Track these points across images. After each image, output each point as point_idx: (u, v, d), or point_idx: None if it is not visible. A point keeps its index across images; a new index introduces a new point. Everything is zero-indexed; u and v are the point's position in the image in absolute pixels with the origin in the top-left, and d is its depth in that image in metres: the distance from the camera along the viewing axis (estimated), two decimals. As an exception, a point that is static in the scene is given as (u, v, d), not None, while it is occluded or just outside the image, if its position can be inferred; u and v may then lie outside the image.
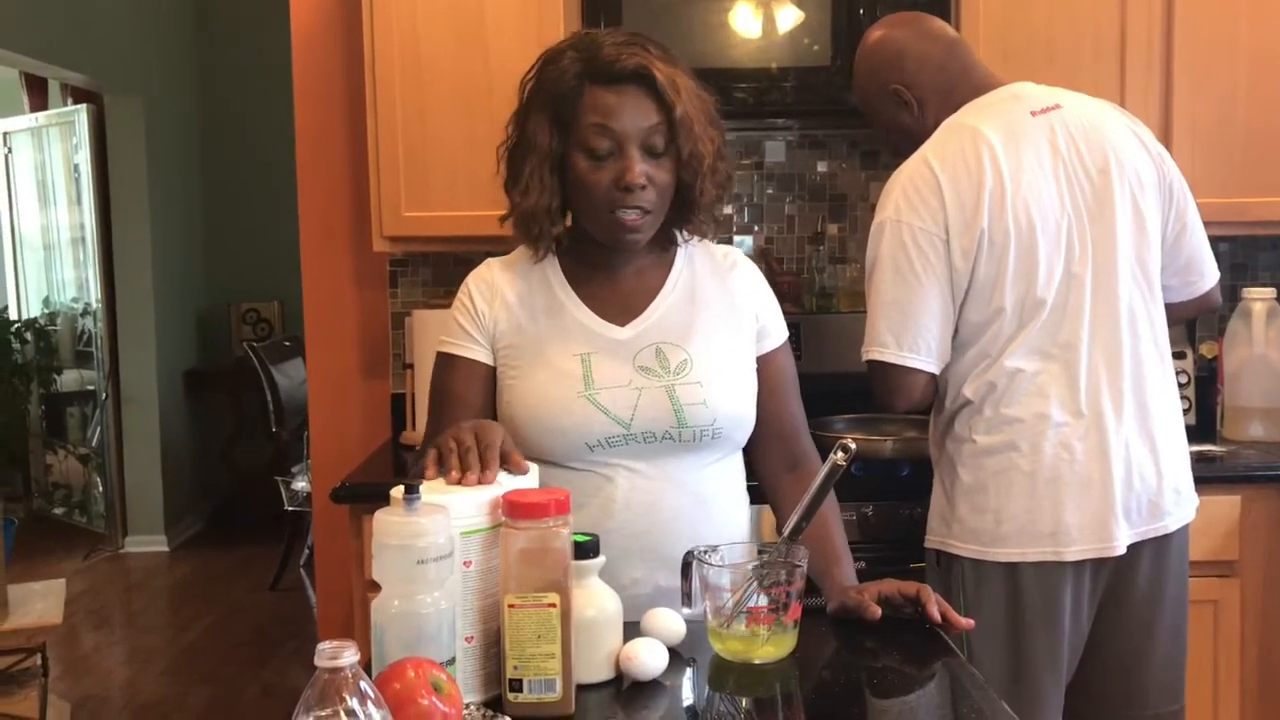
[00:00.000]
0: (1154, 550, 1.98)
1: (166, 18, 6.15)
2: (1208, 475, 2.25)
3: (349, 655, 0.76)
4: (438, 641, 1.12)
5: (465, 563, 1.21)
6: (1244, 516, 2.48)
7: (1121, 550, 1.92)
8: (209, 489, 6.41)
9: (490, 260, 1.74)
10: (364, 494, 2.45)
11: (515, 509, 1.20)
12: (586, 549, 1.31)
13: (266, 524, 5.42)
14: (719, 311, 1.65)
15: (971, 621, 1.49)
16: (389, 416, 3.00)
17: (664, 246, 1.68)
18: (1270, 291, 2.75)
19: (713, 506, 1.62)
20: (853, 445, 1.33)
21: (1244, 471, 2.52)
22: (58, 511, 6.33)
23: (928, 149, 1.97)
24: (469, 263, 3.06)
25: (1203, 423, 2.87)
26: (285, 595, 5.10)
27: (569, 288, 1.65)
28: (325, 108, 2.97)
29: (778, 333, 1.70)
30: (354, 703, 0.76)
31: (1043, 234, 1.91)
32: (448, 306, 2.88)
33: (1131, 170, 2.00)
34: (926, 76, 2.06)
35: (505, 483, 1.26)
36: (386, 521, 1.13)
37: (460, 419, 1.45)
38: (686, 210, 1.63)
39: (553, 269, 1.67)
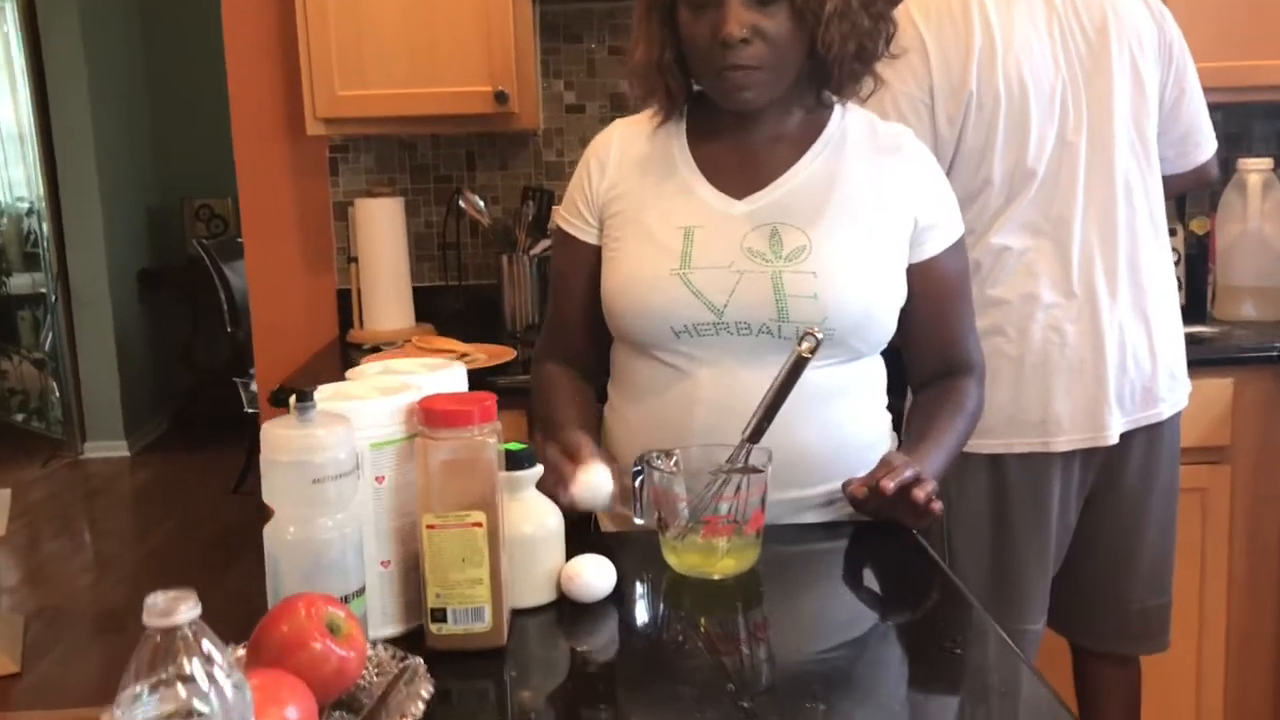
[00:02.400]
0: (1146, 438, 1.88)
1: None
2: (1199, 358, 2.12)
3: (186, 610, 0.60)
4: (342, 571, 0.98)
5: (377, 478, 1.06)
6: (1236, 400, 2.37)
7: (1114, 440, 1.81)
8: (169, 391, 6.24)
9: (617, 122, 1.54)
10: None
11: (433, 417, 1.04)
12: (520, 458, 1.16)
13: (229, 425, 5.27)
14: (863, 200, 1.40)
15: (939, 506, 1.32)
16: (335, 313, 2.83)
17: (813, 111, 1.45)
18: (1267, 162, 2.59)
19: (820, 419, 1.39)
20: (820, 335, 1.17)
21: (1236, 353, 2.39)
22: (16, 418, 6.16)
23: (910, 3, 1.78)
24: (414, 147, 2.94)
25: (1193, 303, 2.73)
26: (248, 499, 4.98)
27: (688, 152, 1.45)
28: (251, -18, 2.74)
29: (944, 235, 1.45)
30: (194, 667, 0.60)
31: (1035, 98, 1.75)
32: (392, 194, 2.74)
33: (1131, 29, 1.84)
34: None
35: (422, 385, 1.10)
36: (276, 435, 0.97)
37: (565, 304, 1.52)
38: (819, 67, 1.39)
39: (677, 131, 1.47)
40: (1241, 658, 2.43)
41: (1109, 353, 1.79)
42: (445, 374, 1.15)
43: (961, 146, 1.74)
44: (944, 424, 1.43)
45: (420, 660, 0.94)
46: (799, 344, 1.17)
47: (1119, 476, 1.88)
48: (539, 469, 1.18)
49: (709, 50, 1.35)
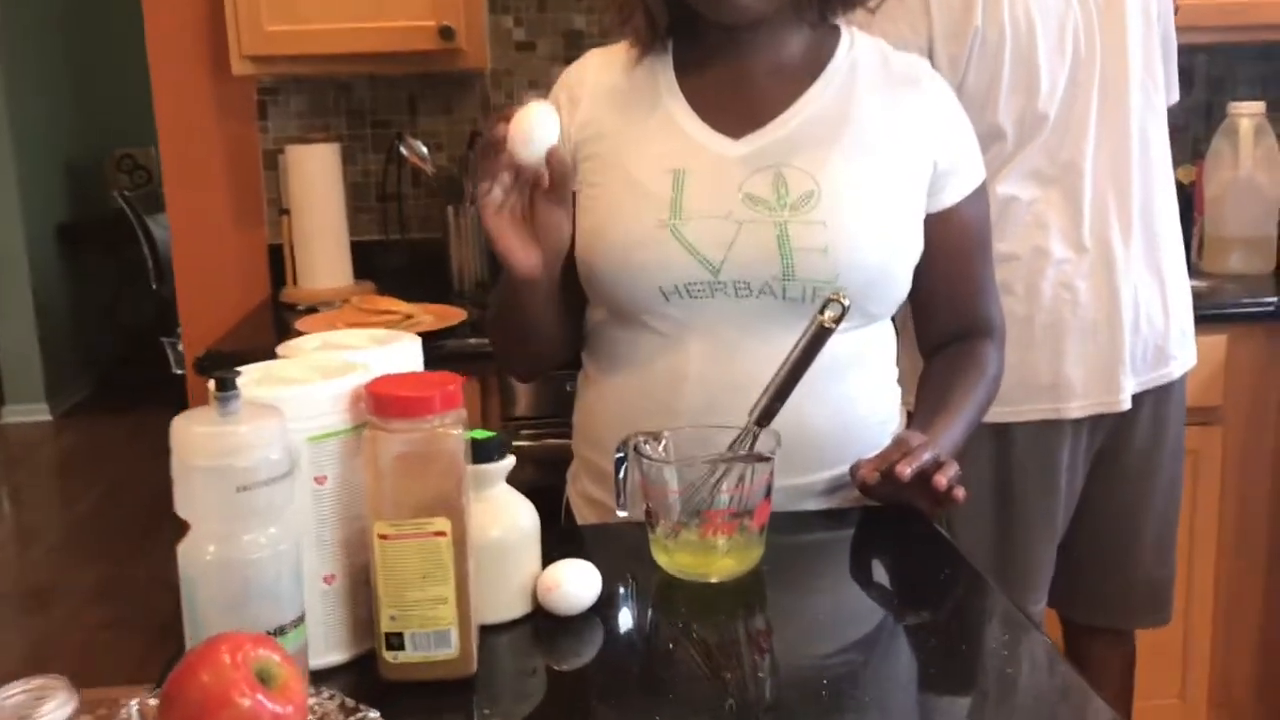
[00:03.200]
0: (1155, 400, 1.76)
1: None
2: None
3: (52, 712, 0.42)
4: (275, 598, 0.80)
5: (317, 479, 0.88)
6: (1229, 358, 2.25)
7: (1128, 405, 1.68)
8: (94, 352, 5.95)
9: (592, 51, 1.34)
10: (236, 362, 2.05)
11: (384, 404, 0.86)
12: (488, 449, 0.98)
13: (158, 386, 5.02)
14: (877, 139, 1.22)
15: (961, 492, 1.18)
16: (267, 270, 2.62)
17: (816, 37, 1.26)
18: (1259, 106, 2.46)
19: (830, 395, 1.21)
20: (847, 301, 0.99)
21: (1230, 308, 2.27)
22: (-69, 382, 5.85)
23: None
24: (350, 89, 2.72)
25: (1178, 255, 2.61)
26: (179, 465, 4.75)
27: (675, 83, 1.26)
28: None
29: (965, 181, 1.27)
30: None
31: (1043, 34, 1.59)
32: (327, 140, 2.52)
33: None
34: None
35: (370, 363, 0.92)
36: (191, 435, 0.79)
37: None
38: None
39: (662, 60, 1.27)
40: (1229, 628, 2.34)
41: (1124, 311, 1.66)
42: (397, 349, 0.97)
43: (964, 89, 1.57)
44: (963, 394, 1.27)
45: (376, 714, 0.76)
46: (821, 311, 1.00)
47: (1127, 441, 1.76)
48: (510, 460, 1.00)
49: None
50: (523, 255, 1.13)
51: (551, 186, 1.11)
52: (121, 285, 5.78)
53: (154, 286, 4.60)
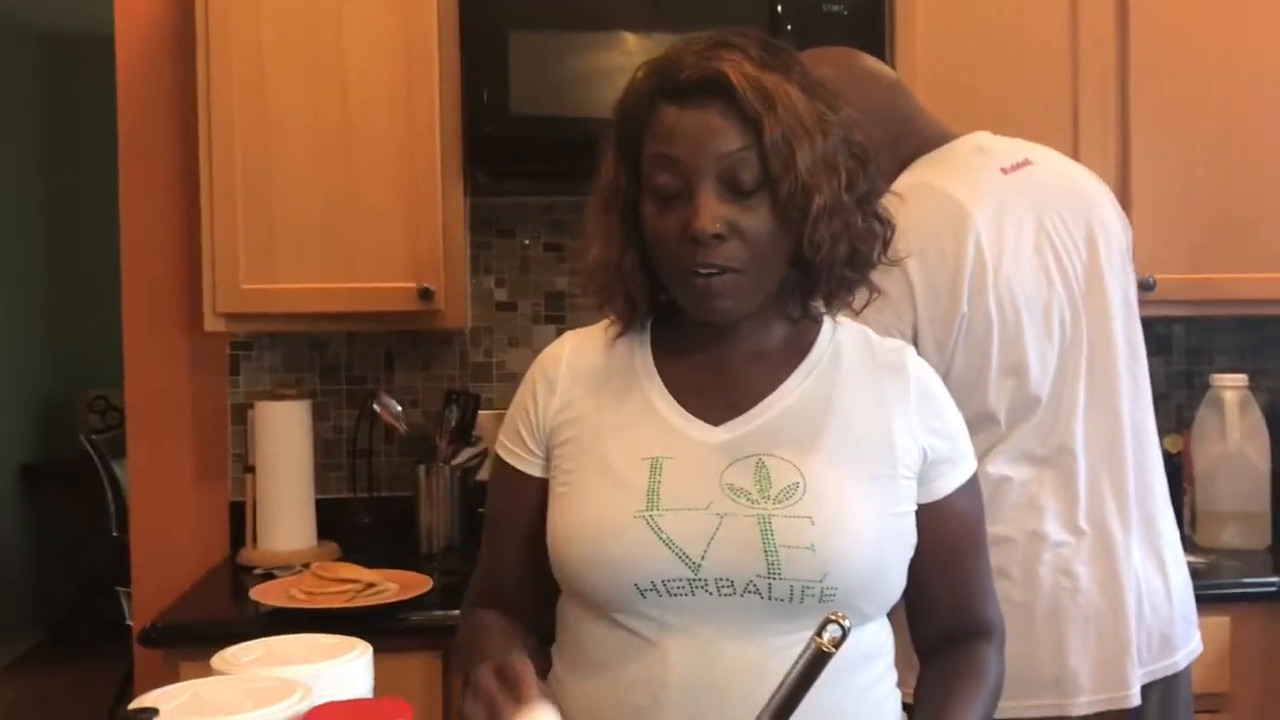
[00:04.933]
0: (1162, 692, 1.65)
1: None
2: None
3: None
4: None
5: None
6: (1234, 641, 2.14)
7: (1137, 700, 1.57)
8: (49, 598, 5.73)
9: (570, 332, 1.29)
10: (183, 636, 1.96)
11: (321, 740, 0.75)
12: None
13: (113, 637, 4.81)
14: (864, 428, 1.17)
15: None
16: (227, 529, 2.51)
17: (799, 324, 1.23)
18: (1241, 378, 2.44)
19: (822, 705, 1.05)
20: (847, 623, 0.90)
21: (1233, 588, 2.18)
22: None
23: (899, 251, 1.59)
24: (325, 345, 2.68)
25: (1170, 528, 2.54)
26: (124, 724, 4.47)
27: (654, 368, 1.22)
28: (153, 160, 2.52)
29: (957, 469, 1.22)
30: None
31: (1029, 319, 1.56)
32: (297, 397, 2.46)
33: (1116, 239, 1.71)
34: (872, 127, 1.69)
35: (312, 684, 0.81)
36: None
37: (503, 548, 1.26)
38: (806, 273, 1.18)
39: (641, 344, 1.24)
40: None
41: (1128, 598, 1.57)
42: (344, 665, 0.86)
43: (952, 375, 1.53)
44: (963, 706, 1.16)
45: None
46: (819, 634, 0.91)
47: (1133, 739, 1.63)
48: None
49: (678, 248, 1.13)
50: None
51: None
52: (83, 530, 5.61)
53: (115, 534, 4.46)
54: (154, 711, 0.71)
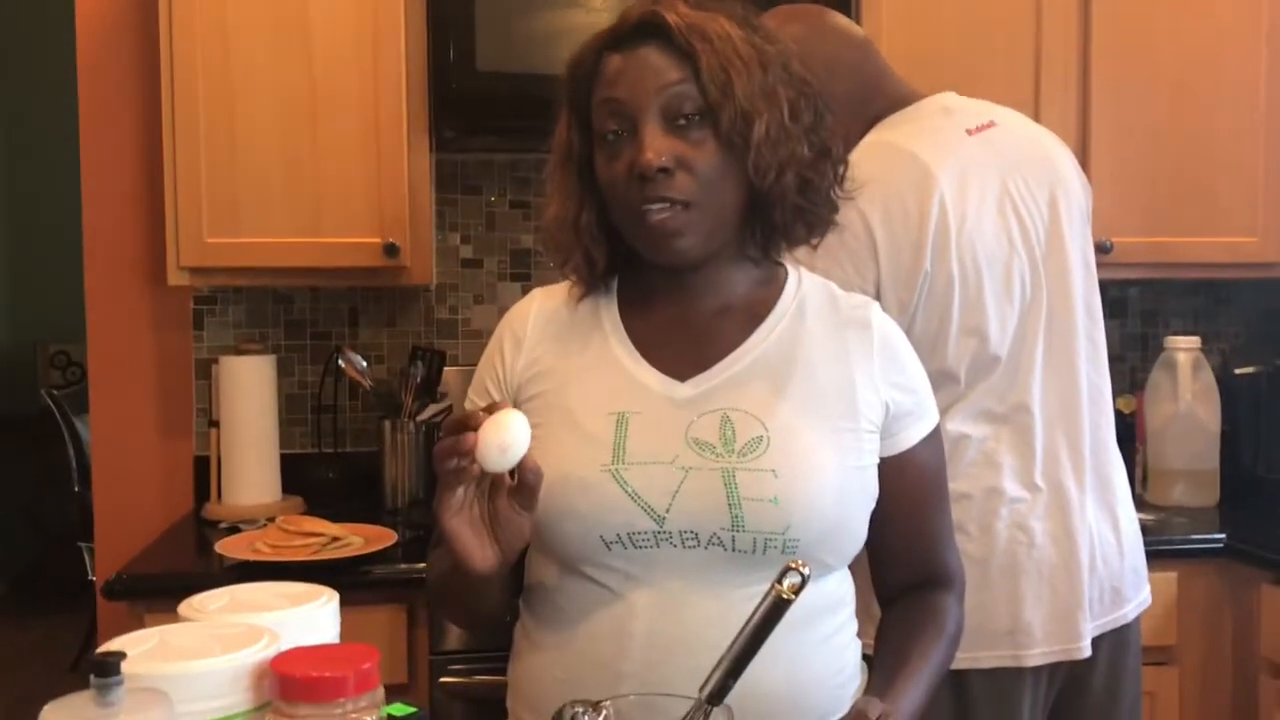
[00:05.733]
0: (1112, 643, 1.70)
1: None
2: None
3: None
4: None
5: (208, 768, 0.78)
6: (1182, 595, 2.20)
7: (1088, 651, 1.61)
8: (11, 553, 5.70)
9: (538, 289, 1.31)
10: (148, 588, 1.97)
11: (291, 686, 0.77)
12: (406, 727, 0.88)
13: (76, 592, 4.79)
14: (827, 381, 1.19)
15: None
16: (191, 484, 2.51)
17: (763, 276, 1.25)
18: (1195, 341, 2.50)
19: (784, 655, 1.13)
20: (807, 570, 0.93)
21: (1181, 544, 2.23)
22: None
23: (856, 182, 1.61)
24: (290, 300, 2.67)
25: (1122, 486, 2.60)
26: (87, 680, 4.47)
27: (619, 324, 1.23)
28: (114, 113, 2.49)
29: (920, 423, 1.24)
30: None
31: (990, 280, 1.59)
32: (262, 352, 2.46)
33: (1077, 201, 1.73)
34: (839, 83, 1.70)
35: (279, 629, 0.83)
36: (59, 727, 0.69)
37: None
38: (759, 207, 1.19)
39: (607, 300, 1.25)
40: None
41: (1081, 553, 1.61)
42: (310, 612, 0.88)
43: (913, 332, 1.56)
44: (922, 653, 1.19)
45: None
46: (779, 581, 0.93)
47: (1085, 688, 1.68)
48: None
49: (627, 189, 1.15)
50: (480, 556, 1.06)
51: (517, 490, 1.06)
52: (44, 485, 5.58)
53: (76, 489, 4.44)
54: (121, 655, 0.72)
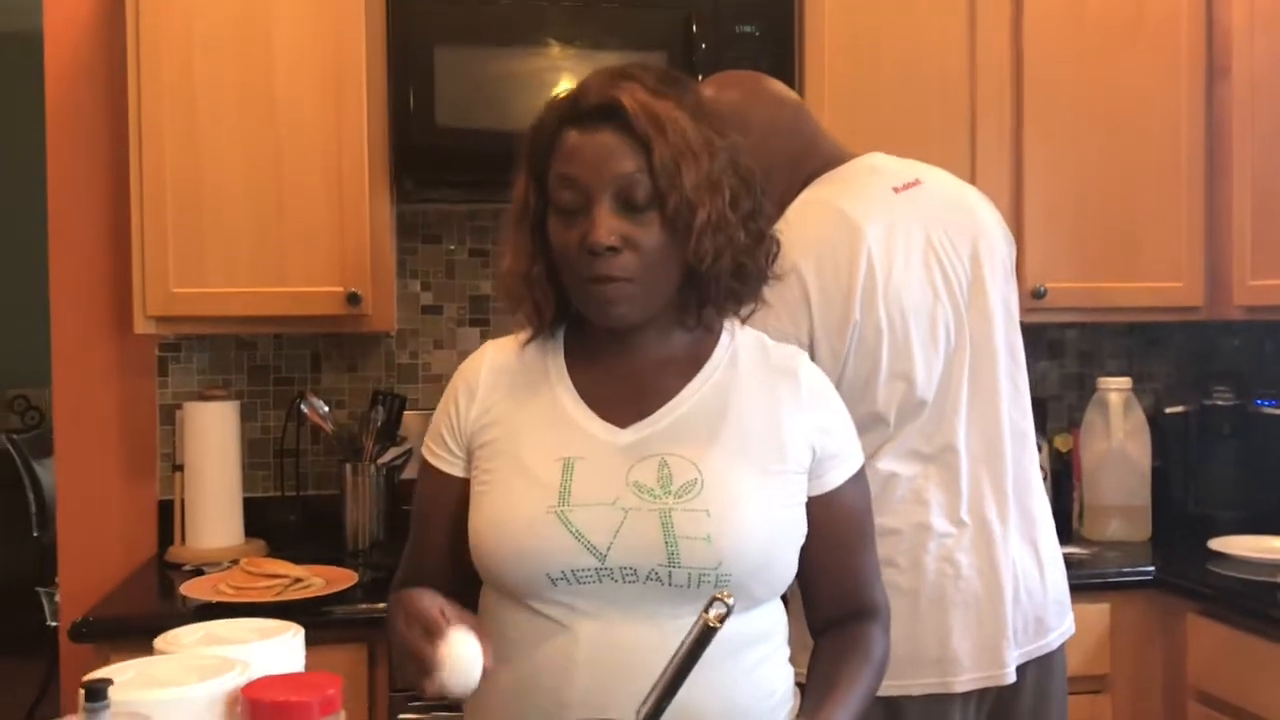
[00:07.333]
0: (1037, 670, 1.78)
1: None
2: (1074, 582, 2.03)
3: None
4: None
5: (185, 788, 0.84)
6: (1114, 625, 2.30)
7: (1013, 678, 1.70)
8: (-36, 599, 5.64)
9: (490, 342, 1.40)
10: (114, 630, 2.01)
11: (261, 710, 0.84)
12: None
13: (29, 639, 4.76)
14: (757, 427, 1.28)
15: None
16: (155, 527, 2.56)
17: (698, 333, 1.34)
18: (1125, 381, 2.62)
19: (717, 681, 1.21)
20: (731, 601, 1.02)
21: (1114, 577, 2.34)
22: None
23: (791, 242, 1.70)
24: (253, 346, 2.73)
25: (1059, 521, 2.64)
26: (46, 725, 4.45)
27: (565, 374, 1.32)
28: (81, 163, 2.56)
29: (845, 464, 1.33)
30: None
31: (916, 328, 1.69)
32: (226, 398, 2.52)
33: (999, 253, 1.83)
34: (776, 143, 1.81)
35: (250, 660, 0.90)
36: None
37: (429, 540, 1.36)
38: (696, 284, 1.28)
39: (554, 350, 1.34)
40: None
41: (1005, 585, 1.70)
42: (279, 644, 0.95)
43: (845, 378, 1.66)
44: (850, 678, 1.28)
45: None
46: (706, 610, 1.02)
47: (1012, 713, 1.76)
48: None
49: (578, 259, 1.24)
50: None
51: None
52: (2, 530, 5.55)
53: (35, 534, 4.44)
54: (109, 681, 0.79)
